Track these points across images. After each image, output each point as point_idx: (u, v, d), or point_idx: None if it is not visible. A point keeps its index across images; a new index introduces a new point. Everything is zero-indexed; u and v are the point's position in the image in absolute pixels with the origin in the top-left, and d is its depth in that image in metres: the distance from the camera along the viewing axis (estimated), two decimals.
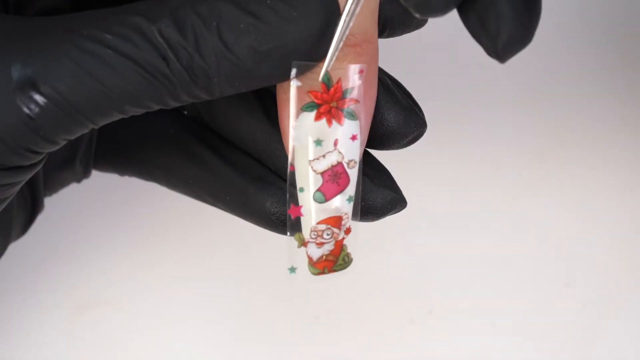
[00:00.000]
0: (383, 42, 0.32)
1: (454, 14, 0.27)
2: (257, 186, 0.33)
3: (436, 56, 0.54)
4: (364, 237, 0.32)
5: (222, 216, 0.36)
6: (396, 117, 0.32)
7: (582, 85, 0.54)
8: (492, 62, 0.28)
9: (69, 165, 0.39)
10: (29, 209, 0.39)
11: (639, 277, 0.48)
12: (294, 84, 0.29)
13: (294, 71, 0.29)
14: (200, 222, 0.48)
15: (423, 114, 0.32)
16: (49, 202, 0.41)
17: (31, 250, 0.47)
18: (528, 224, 0.50)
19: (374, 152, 0.33)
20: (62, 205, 0.46)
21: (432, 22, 0.33)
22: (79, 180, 0.40)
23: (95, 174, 0.40)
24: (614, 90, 0.54)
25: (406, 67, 0.39)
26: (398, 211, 0.33)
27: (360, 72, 0.30)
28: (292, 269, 0.31)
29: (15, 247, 0.41)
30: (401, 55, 0.47)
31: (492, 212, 0.50)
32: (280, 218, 0.32)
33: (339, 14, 0.29)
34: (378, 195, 0.32)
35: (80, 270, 0.47)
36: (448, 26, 0.47)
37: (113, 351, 0.46)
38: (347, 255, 0.31)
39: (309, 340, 0.46)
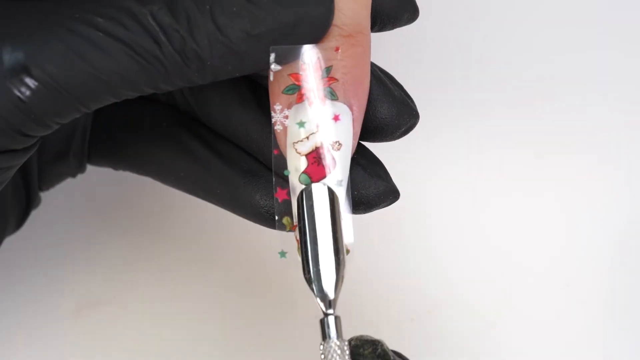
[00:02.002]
0: (376, 36, 0.32)
1: (448, 11, 0.27)
2: (247, 179, 0.33)
3: (425, 50, 0.53)
4: (364, 235, 0.32)
5: (224, 213, 0.36)
6: (389, 109, 0.32)
7: (581, 83, 0.54)
8: (483, 54, 0.28)
9: (63, 159, 0.39)
10: (23, 202, 0.39)
11: (639, 277, 0.48)
12: (273, 68, 0.29)
13: (272, 56, 0.29)
14: (201, 220, 0.48)
15: (415, 106, 0.32)
16: (48, 200, 0.41)
17: (31, 248, 0.47)
18: (528, 223, 0.50)
19: (367, 144, 0.33)
20: (61, 203, 0.46)
21: (424, 16, 0.34)
22: (74, 175, 0.40)
23: (92, 171, 0.41)
24: (614, 89, 0.54)
25: (398, 60, 0.39)
26: (390, 203, 0.33)
27: (336, 49, 0.30)
28: (282, 253, 0.31)
29: (15, 246, 0.41)
30: (393, 49, 0.47)
31: (492, 212, 0.50)
32: (270, 211, 0.32)
33: None
34: (371, 185, 0.32)
35: (80, 269, 0.47)
36: (441, 20, 0.47)
37: (113, 351, 0.46)
38: None
39: (307, 340, 0.46)
